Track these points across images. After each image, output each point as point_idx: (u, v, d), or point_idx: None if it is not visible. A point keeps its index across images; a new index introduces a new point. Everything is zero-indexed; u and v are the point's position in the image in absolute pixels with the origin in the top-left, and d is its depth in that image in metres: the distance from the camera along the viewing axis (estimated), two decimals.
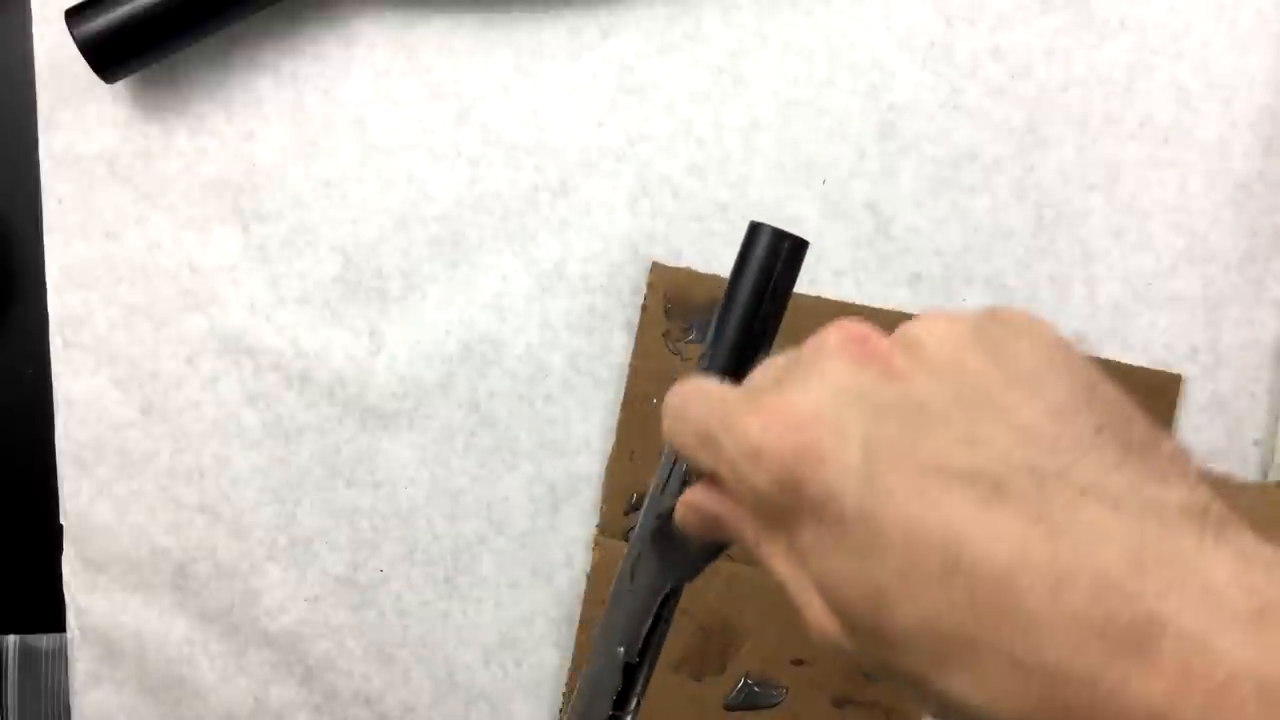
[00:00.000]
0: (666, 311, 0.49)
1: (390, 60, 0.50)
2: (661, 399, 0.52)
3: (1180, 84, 0.49)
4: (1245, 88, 0.49)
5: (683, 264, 0.50)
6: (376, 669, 0.52)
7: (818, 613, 0.25)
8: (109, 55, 0.46)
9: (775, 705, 0.50)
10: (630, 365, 0.50)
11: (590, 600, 0.50)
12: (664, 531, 0.32)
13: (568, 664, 0.50)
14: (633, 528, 0.50)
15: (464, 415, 0.51)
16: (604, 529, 0.50)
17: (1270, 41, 0.49)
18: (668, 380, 0.49)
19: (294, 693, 0.52)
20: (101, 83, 0.49)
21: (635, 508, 0.50)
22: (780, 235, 0.30)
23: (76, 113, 0.50)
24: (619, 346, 0.50)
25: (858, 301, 0.49)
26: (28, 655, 0.52)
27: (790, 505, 0.24)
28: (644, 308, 0.49)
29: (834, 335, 0.25)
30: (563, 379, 0.50)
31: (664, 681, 0.50)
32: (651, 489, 0.32)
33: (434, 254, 0.50)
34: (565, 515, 0.51)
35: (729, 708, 0.50)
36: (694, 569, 0.32)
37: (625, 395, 0.50)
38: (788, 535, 0.25)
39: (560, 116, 0.50)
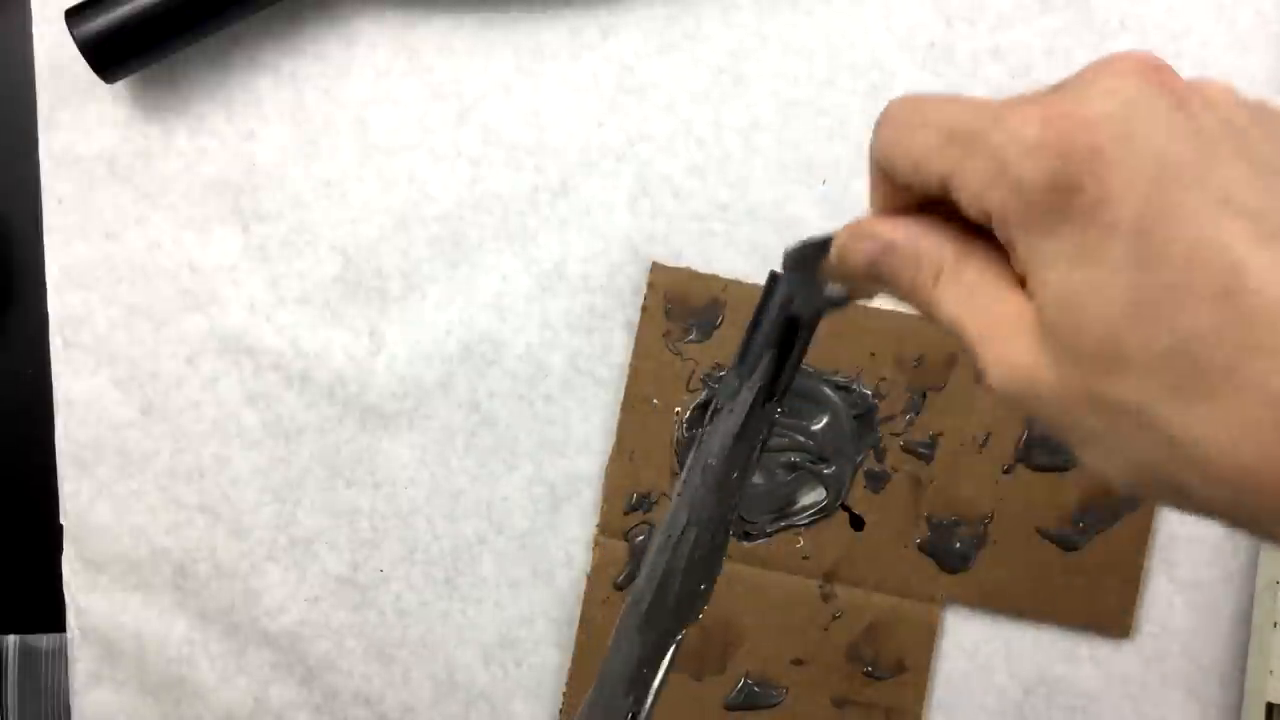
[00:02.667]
0: (666, 311, 0.49)
1: (391, 60, 0.50)
2: (662, 399, 0.53)
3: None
4: (1245, 88, 0.49)
5: (683, 264, 0.50)
6: (376, 669, 0.52)
7: (1014, 349, 0.23)
8: (109, 55, 0.46)
9: (775, 705, 0.50)
10: (630, 365, 0.50)
11: (590, 600, 0.50)
12: (802, 263, 0.31)
13: (568, 664, 0.50)
14: (633, 527, 0.50)
15: (464, 415, 0.51)
16: (604, 529, 0.50)
17: (1270, 41, 0.49)
18: (668, 380, 0.49)
19: (294, 693, 0.52)
20: (101, 83, 0.49)
21: (635, 508, 0.50)
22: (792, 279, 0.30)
23: (76, 113, 0.50)
24: (619, 346, 0.50)
25: (857, 301, 0.49)
26: (28, 655, 0.52)
27: (1058, 206, 0.22)
28: (644, 308, 0.49)
29: (1125, 59, 0.24)
30: (563, 379, 0.50)
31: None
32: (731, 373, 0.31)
33: (434, 254, 0.50)
34: (565, 515, 0.51)
35: (729, 708, 0.50)
36: (816, 311, 0.32)
37: (625, 395, 0.50)
38: (1033, 242, 0.23)
39: (560, 116, 0.50)
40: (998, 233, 0.23)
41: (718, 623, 0.50)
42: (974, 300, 0.24)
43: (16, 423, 0.52)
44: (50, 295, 0.51)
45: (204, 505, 0.51)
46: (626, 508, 0.50)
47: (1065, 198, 0.22)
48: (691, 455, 0.32)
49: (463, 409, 0.51)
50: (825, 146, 0.50)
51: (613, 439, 0.50)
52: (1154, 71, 0.23)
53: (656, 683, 0.33)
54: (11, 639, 0.52)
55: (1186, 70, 0.49)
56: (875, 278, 0.27)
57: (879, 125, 0.26)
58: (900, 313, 0.49)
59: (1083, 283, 0.22)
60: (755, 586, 0.49)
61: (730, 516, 0.32)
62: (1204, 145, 0.22)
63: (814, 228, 0.50)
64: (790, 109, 0.50)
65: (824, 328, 0.49)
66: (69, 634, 0.52)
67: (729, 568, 0.49)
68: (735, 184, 0.50)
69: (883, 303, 0.49)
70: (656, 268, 0.49)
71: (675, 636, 0.32)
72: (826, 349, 0.49)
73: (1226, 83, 0.24)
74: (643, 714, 0.32)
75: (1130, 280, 0.22)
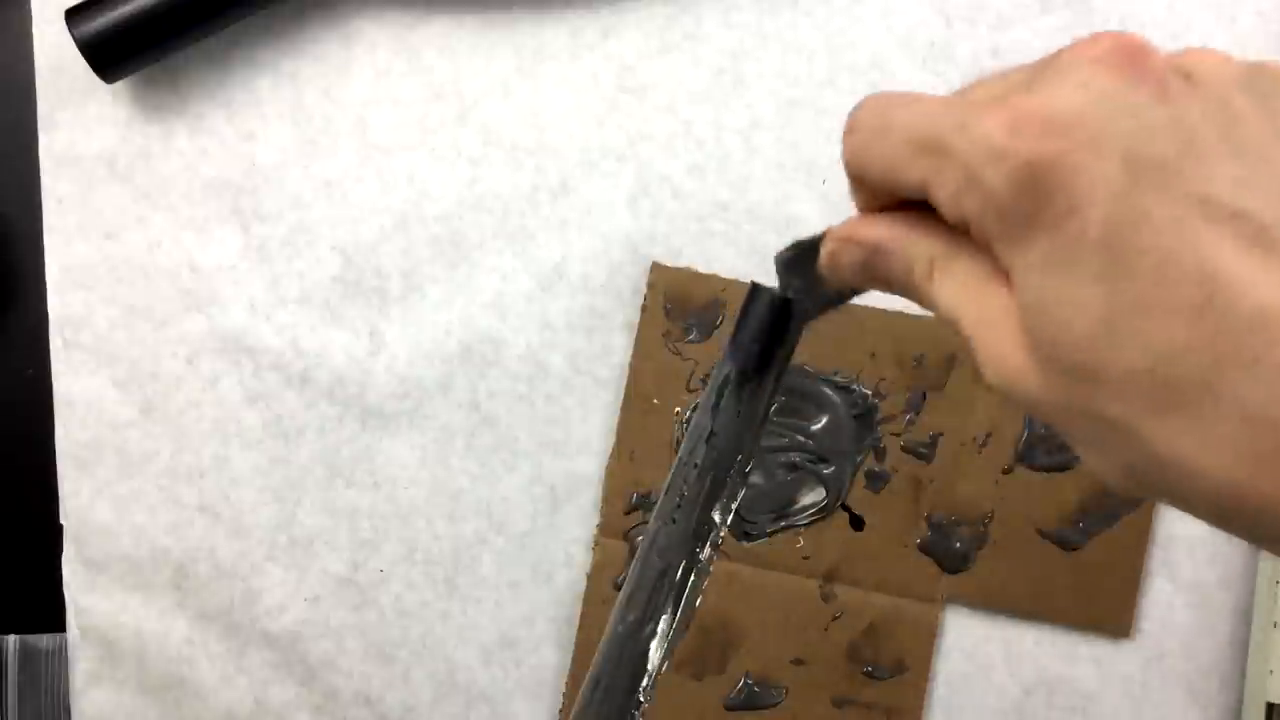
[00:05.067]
0: (666, 311, 0.49)
1: (391, 60, 0.50)
2: (662, 399, 0.53)
3: None
4: None
5: (683, 264, 0.50)
6: (376, 669, 0.52)
7: (1005, 347, 0.22)
8: (109, 55, 0.46)
9: (775, 705, 0.50)
10: (630, 365, 0.50)
11: (590, 600, 0.50)
12: (795, 265, 0.30)
13: (568, 664, 0.50)
14: (633, 527, 0.50)
15: (464, 415, 0.51)
16: (604, 529, 0.50)
17: (1270, 41, 0.49)
18: (668, 380, 0.49)
19: (294, 693, 0.52)
20: (101, 83, 0.49)
21: (635, 508, 0.50)
22: (782, 298, 0.30)
23: (76, 113, 0.50)
24: (619, 346, 0.50)
25: (858, 301, 0.49)
26: (28, 655, 0.52)
27: (1027, 215, 0.21)
28: (644, 308, 0.49)
29: (1100, 43, 0.22)
30: (563, 379, 0.50)
31: (664, 681, 0.50)
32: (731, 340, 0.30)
33: (434, 254, 0.50)
34: (565, 515, 0.51)
35: (729, 708, 0.50)
36: (818, 304, 0.31)
37: (625, 395, 0.50)
38: (1008, 250, 0.22)
39: (560, 116, 0.50)
40: (976, 238, 0.23)
41: (718, 623, 0.50)
42: (967, 293, 0.23)
43: (16, 423, 0.52)
44: (50, 295, 0.51)
45: (204, 505, 0.51)
46: (626, 508, 0.50)
47: (1034, 206, 0.21)
48: (680, 460, 0.31)
49: (463, 409, 0.51)
50: (825, 146, 0.50)
51: (613, 439, 0.50)
52: (1131, 57, 0.22)
53: (654, 666, 0.32)
54: (11, 639, 0.52)
55: None
56: (869, 279, 0.27)
57: (846, 132, 0.25)
58: (900, 313, 0.49)
59: (1056, 293, 0.21)
60: (755, 586, 0.49)
61: (706, 537, 0.31)
62: (1184, 139, 0.21)
63: (814, 227, 0.50)
64: (790, 109, 0.50)
65: (824, 328, 0.49)
66: (69, 634, 0.52)
67: (729, 568, 0.49)
68: (735, 184, 0.50)
69: (883, 303, 0.49)
70: (656, 268, 0.49)
71: (647, 659, 0.32)
72: (826, 349, 0.49)
73: (1222, 54, 0.23)
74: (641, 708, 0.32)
75: (1102, 293, 0.21)
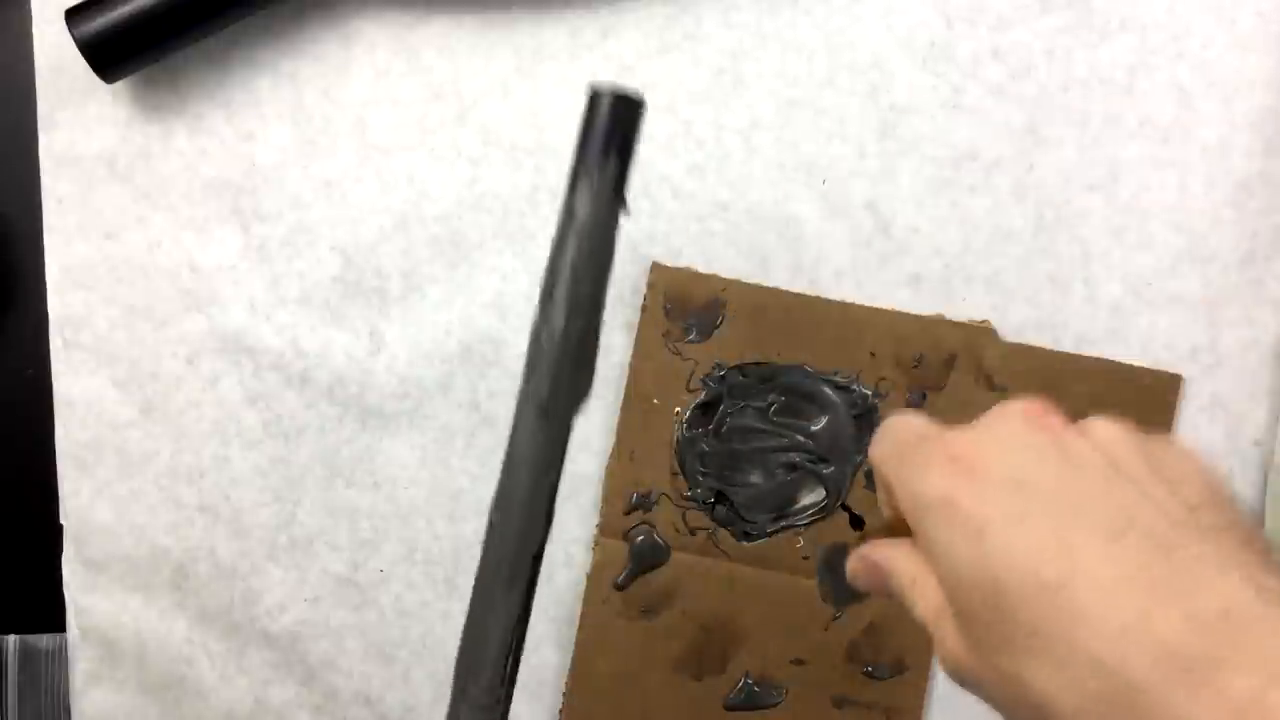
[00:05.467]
0: (666, 311, 0.49)
1: (390, 60, 0.50)
2: (662, 399, 0.53)
3: (1180, 84, 0.49)
4: (1245, 88, 0.49)
5: (683, 264, 0.50)
6: (376, 669, 0.52)
7: (948, 639, 0.29)
8: (109, 55, 0.46)
9: (775, 705, 0.50)
10: (630, 365, 0.50)
11: (590, 600, 0.50)
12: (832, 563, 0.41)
13: (568, 664, 0.50)
14: (633, 527, 0.50)
15: (464, 415, 0.51)
16: (604, 529, 0.50)
17: (1270, 41, 0.49)
18: (668, 380, 0.49)
19: (294, 693, 0.52)
20: (101, 83, 0.49)
21: (635, 508, 0.50)
22: (623, 96, 0.36)
23: (76, 113, 0.50)
24: (619, 346, 0.50)
25: (858, 301, 0.49)
26: (28, 655, 0.52)
27: (942, 522, 0.29)
28: (644, 308, 0.49)
29: (1017, 405, 0.31)
30: None
31: (664, 681, 0.50)
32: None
33: (434, 254, 0.50)
34: (565, 515, 0.51)
35: (729, 708, 0.50)
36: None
37: (625, 395, 0.50)
38: (929, 535, 0.29)
39: (560, 116, 0.50)
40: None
41: (718, 623, 0.50)
42: (929, 601, 0.30)
43: (16, 423, 0.52)
44: (50, 295, 0.51)
45: (204, 505, 0.51)
46: (626, 508, 0.50)
47: (946, 513, 0.29)
48: (552, 258, 0.35)
49: (463, 409, 0.51)
50: (825, 146, 0.50)
51: (613, 439, 0.50)
52: (1039, 415, 0.30)
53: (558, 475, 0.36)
54: (11, 639, 0.52)
55: (1187, 71, 0.49)
56: (878, 588, 0.33)
57: (880, 436, 0.33)
58: (900, 312, 0.49)
59: (955, 582, 0.28)
60: (755, 586, 0.49)
61: (600, 305, 0.35)
62: (1065, 469, 0.28)
63: (814, 228, 0.50)
64: (790, 109, 0.50)
65: (824, 328, 0.50)
66: (69, 634, 0.52)
67: (729, 568, 0.49)
68: (735, 184, 0.50)
69: (883, 303, 0.49)
70: (656, 268, 0.49)
71: (571, 421, 0.35)
72: (826, 349, 0.49)
73: (1121, 425, 0.30)
74: (555, 492, 0.36)
75: (991, 578, 0.27)
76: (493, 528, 0.36)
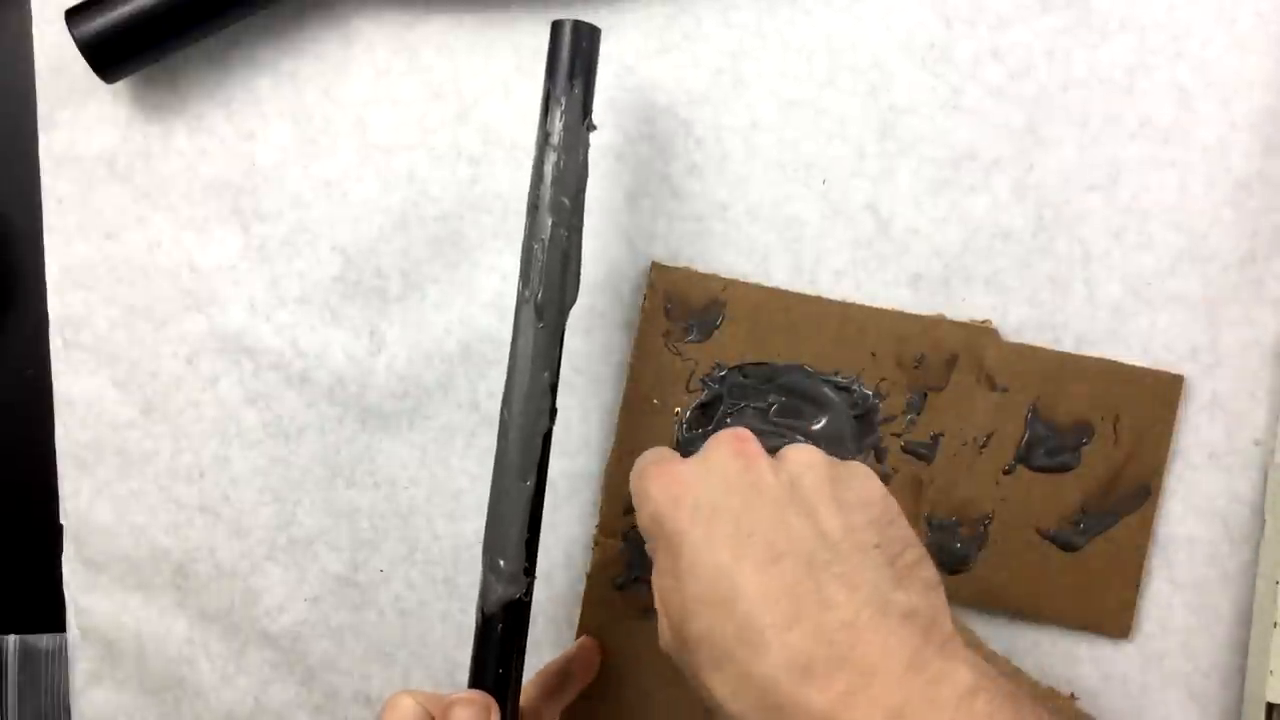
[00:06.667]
0: (666, 311, 0.49)
1: (390, 59, 0.50)
2: (662, 399, 0.53)
3: (1180, 84, 0.49)
4: (1245, 88, 0.49)
5: (683, 264, 0.50)
6: (376, 669, 0.52)
7: (665, 631, 0.35)
8: (109, 55, 0.46)
9: None
10: (630, 365, 0.50)
11: (590, 600, 0.50)
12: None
13: None
14: (633, 527, 0.50)
15: (464, 415, 0.51)
16: (604, 529, 0.50)
17: (1270, 42, 0.49)
18: (668, 380, 0.49)
19: (294, 693, 0.52)
20: (101, 83, 0.49)
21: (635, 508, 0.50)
22: (582, 24, 0.41)
23: (76, 113, 0.50)
24: (619, 346, 0.50)
25: (858, 301, 0.49)
26: (28, 655, 0.52)
27: (656, 536, 0.35)
28: (644, 308, 0.49)
29: (726, 433, 0.37)
30: (563, 379, 0.50)
31: (664, 681, 0.50)
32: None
33: (434, 254, 0.50)
34: (565, 515, 0.51)
35: None
36: None
37: (625, 395, 0.50)
38: (655, 560, 0.36)
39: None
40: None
41: None
42: (655, 598, 0.36)
43: (16, 423, 0.52)
44: (50, 295, 0.51)
45: (204, 505, 0.51)
46: (626, 508, 0.50)
47: (659, 530, 0.35)
48: (534, 179, 0.41)
49: (463, 409, 0.51)
50: (825, 146, 0.50)
51: (613, 439, 0.50)
52: (739, 443, 0.36)
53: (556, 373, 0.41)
54: (11, 639, 0.52)
55: (1187, 71, 0.49)
56: None
57: (636, 473, 0.40)
58: (900, 312, 0.49)
59: (666, 588, 0.34)
60: None
61: (580, 216, 0.41)
62: (750, 496, 0.34)
63: (814, 228, 0.50)
64: (790, 109, 0.50)
65: (824, 328, 0.50)
66: (69, 634, 0.52)
67: None
68: (735, 184, 0.50)
69: (883, 303, 0.49)
70: (656, 268, 0.49)
71: (563, 322, 0.41)
72: (826, 349, 0.49)
73: (813, 453, 0.37)
74: (555, 387, 0.41)
75: (682, 588, 0.33)
76: (503, 422, 0.41)
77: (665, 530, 0.34)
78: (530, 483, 0.40)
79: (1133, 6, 0.49)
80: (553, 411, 0.41)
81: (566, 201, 0.40)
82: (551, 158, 0.40)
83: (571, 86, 0.40)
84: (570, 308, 0.41)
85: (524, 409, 0.40)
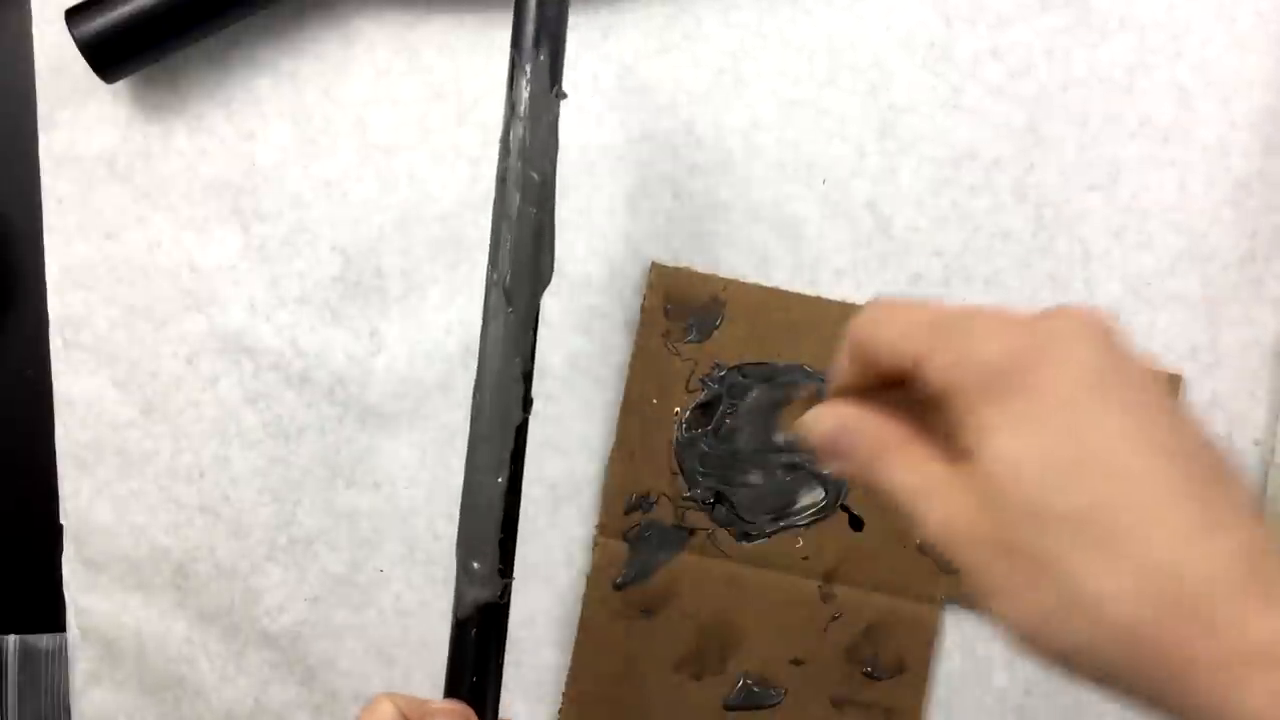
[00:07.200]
0: (666, 311, 0.49)
1: (390, 60, 0.50)
2: (661, 399, 0.53)
3: (1180, 84, 0.49)
4: (1245, 88, 0.49)
5: (683, 264, 0.50)
6: (376, 669, 0.52)
7: (951, 506, 0.28)
8: (109, 55, 0.46)
9: (775, 705, 0.50)
10: (630, 365, 0.50)
11: (590, 600, 0.50)
12: (760, 408, 0.41)
13: (567, 664, 0.50)
14: (633, 527, 0.50)
15: (464, 415, 0.51)
16: (604, 529, 0.50)
17: (1270, 41, 0.49)
18: (667, 380, 0.49)
19: (294, 693, 0.52)
20: (101, 83, 0.49)
21: (635, 508, 0.50)
22: None
23: (76, 113, 0.50)
24: (619, 346, 0.50)
25: (858, 301, 0.49)
26: (28, 655, 0.52)
27: (1010, 382, 0.27)
28: (644, 308, 0.49)
29: (1076, 307, 0.29)
30: (563, 379, 0.50)
31: (664, 681, 0.50)
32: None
33: (434, 254, 0.50)
34: (565, 515, 0.51)
35: (728, 708, 0.50)
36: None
37: (625, 395, 0.50)
38: (984, 411, 0.27)
39: (560, 116, 0.50)
40: (953, 404, 0.28)
41: (717, 623, 0.50)
42: (920, 468, 0.29)
43: (16, 423, 0.52)
44: (50, 295, 0.51)
45: (204, 505, 0.51)
46: (626, 508, 0.50)
47: (1015, 379, 0.27)
48: (501, 151, 0.38)
49: (463, 409, 0.51)
50: (825, 146, 0.50)
51: (613, 439, 0.50)
52: (1097, 319, 0.29)
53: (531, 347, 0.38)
54: (11, 639, 0.52)
55: (1187, 71, 0.49)
56: (831, 453, 0.32)
57: (862, 313, 0.31)
58: None
59: (1020, 448, 0.27)
60: (755, 586, 0.49)
61: (551, 191, 0.38)
62: (1122, 369, 0.28)
63: (814, 228, 0.50)
64: (790, 109, 0.50)
65: (824, 328, 0.49)
66: (69, 634, 0.52)
67: (729, 568, 0.49)
68: (735, 184, 0.50)
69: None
70: (656, 268, 0.49)
71: (535, 304, 0.38)
72: (827, 349, 0.49)
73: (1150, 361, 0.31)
74: (529, 375, 0.38)
75: (1055, 450, 0.26)
76: (474, 414, 0.38)
77: (1036, 376, 0.27)
78: (503, 479, 0.38)
79: (1133, 6, 0.49)
80: (526, 402, 0.38)
81: (535, 176, 0.37)
82: (518, 129, 0.37)
83: (537, 52, 0.38)
84: (543, 290, 0.39)
85: (494, 399, 0.37)
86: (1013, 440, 0.27)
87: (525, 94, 0.38)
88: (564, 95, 0.39)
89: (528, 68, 0.38)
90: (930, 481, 0.29)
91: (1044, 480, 0.26)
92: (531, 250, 0.38)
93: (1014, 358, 0.27)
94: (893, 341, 0.30)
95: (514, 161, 0.37)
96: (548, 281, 0.39)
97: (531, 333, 0.38)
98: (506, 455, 0.38)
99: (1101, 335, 0.28)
